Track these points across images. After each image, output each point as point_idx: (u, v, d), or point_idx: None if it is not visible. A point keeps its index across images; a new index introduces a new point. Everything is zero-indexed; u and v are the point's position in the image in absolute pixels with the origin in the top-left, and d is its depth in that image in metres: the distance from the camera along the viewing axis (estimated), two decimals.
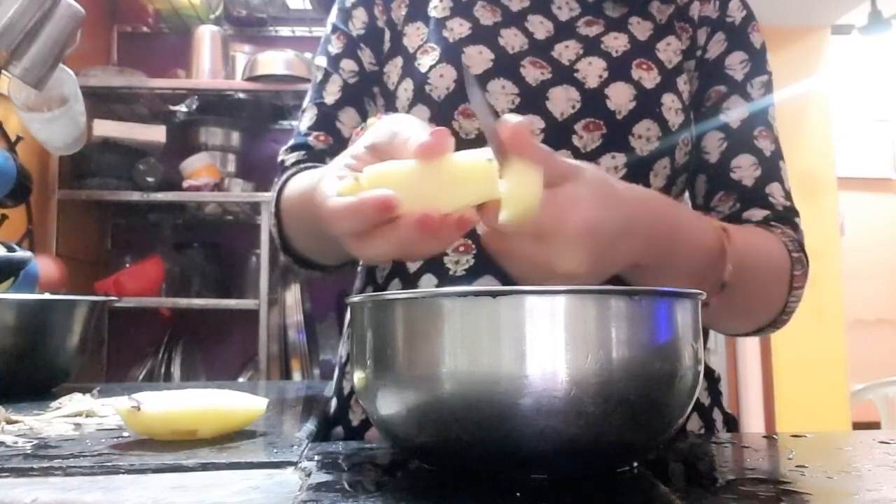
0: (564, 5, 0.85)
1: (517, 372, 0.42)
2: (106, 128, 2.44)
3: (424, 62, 0.81)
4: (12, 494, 0.42)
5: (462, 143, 0.53)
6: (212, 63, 2.63)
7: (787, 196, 0.82)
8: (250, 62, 2.58)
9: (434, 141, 0.49)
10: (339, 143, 0.86)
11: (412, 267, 0.79)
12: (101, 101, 2.53)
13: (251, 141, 2.79)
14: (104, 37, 2.81)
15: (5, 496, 0.41)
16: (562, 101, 0.78)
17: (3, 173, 1.80)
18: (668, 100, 0.80)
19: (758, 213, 0.80)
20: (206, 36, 2.65)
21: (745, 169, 0.82)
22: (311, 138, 0.87)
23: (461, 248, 0.77)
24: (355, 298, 0.50)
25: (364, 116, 0.87)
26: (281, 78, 2.51)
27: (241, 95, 2.63)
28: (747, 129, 0.83)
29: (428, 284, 0.77)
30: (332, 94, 0.87)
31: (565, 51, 0.81)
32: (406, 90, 0.82)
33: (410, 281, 0.79)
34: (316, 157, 0.85)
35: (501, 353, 0.43)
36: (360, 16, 0.89)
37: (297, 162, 0.85)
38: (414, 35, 0.85)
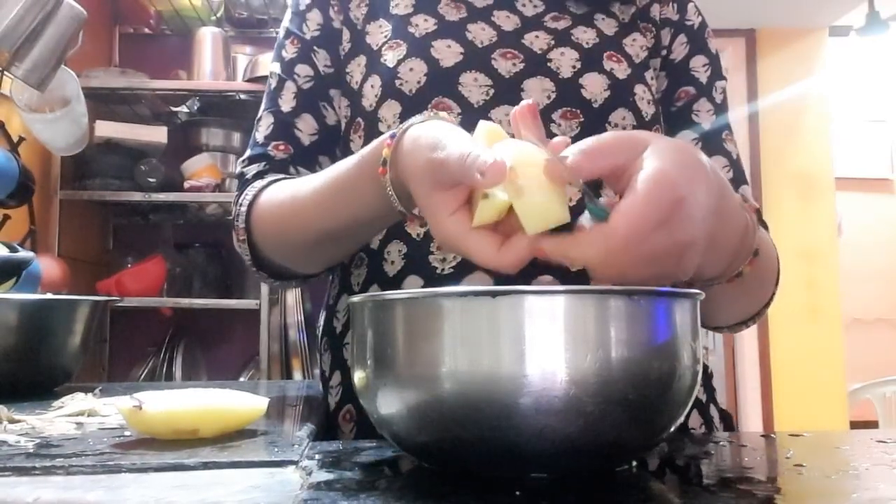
0: (528, 2, 0.85)
1: (517, 371, 0.42)
2: (108, 129, 2.44)
3: (391, 57, 0.81)
4: (14, 493, 0.42)
5: None
6: (213, 64, 2.64)
7: (752, 198, 0.84)
8: (251, 63, 2.59)
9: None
10: (299, 152, 0.84)
11: (391, 270, 0.78)
12: (102, 102, 2.53)
13: None
14: (106, 38, 2.81)
15: (7, 495, 0.42)
16: (537, 91, 0.78)
17: (5, 174, 1.80)
18: (640, 90, 0.81)
19: None
20: (208, 37, 2.66)
21: (719, 170, 0.82)
22: (270, 148, 0.84)
23: None
24: (355, 298, 0.50)
25: (320, 122, 0.85)
26: None
27: (243, 96, 2.63)
28: (716, 132, 0.85)
29: (413, 286, 0.76)
30: (287, 102, 0.85)
31: (536, 40, 0.82)
32: (373, 87, 0.81)
33: (391, 284, 0.77)
34: (276, 167, 0.83)
35: (501, 352, 0.43)
36: (314, 18, 0.87)
37: (259, 173, 0.82)
38: (377, 32, 0.84)
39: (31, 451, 0.52)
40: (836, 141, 3.82)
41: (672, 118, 0.85)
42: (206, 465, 0.47)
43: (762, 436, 0.65)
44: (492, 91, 0.78)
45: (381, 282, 0.78)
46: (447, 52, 0.80)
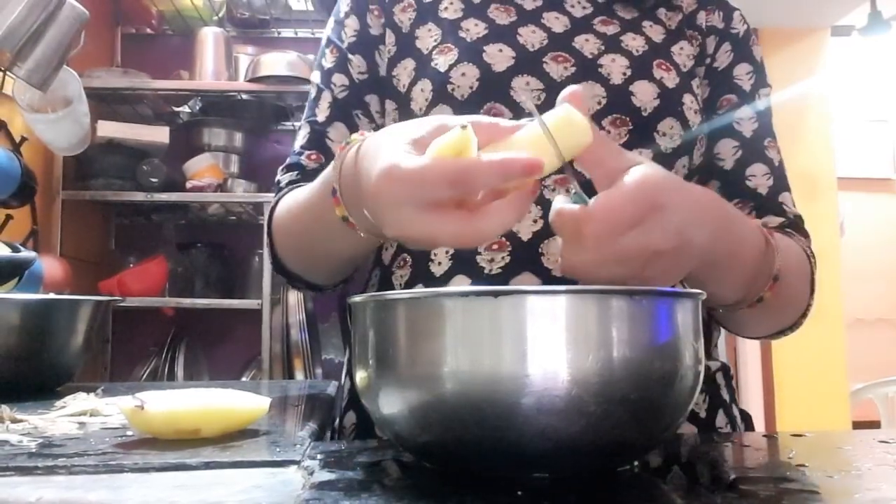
0: (577, 4, 0.86)
1: (518, 371, 0.42)
2: (110, 129, 2.44)
3: (442, 62, 0.81)
4: (17, 493, 0.42)
5: None
6: (215, 64, 2.64)
7: (794, 205, 0.85)
8: (253, 63, 2.58)
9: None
10: (330, 160, 0.84)
11: (438, 270, 0.77)
12: (104, 103, 2.54)
13: (254, 142, 2.79)
14: (108, 38, 2.81)
15: (10, 495, 0.42)
16: (587, 97, 0.78)
17: (7, 174, 1.81)
18: (688, 100, 0.82)
19: (774, 221, 0.81)
20: (210, 37, 2.66)
21: (759, 178, 0.84)
22: (303, 158, 0.86)
23: (495, 246, 0.75)
24: (357, 298, 0.50)
25: (353, 130, 0.86)
26: (283, 79, 2.51)
27: (244, 96, 2.63)
28: (758, 139, 0.86)
29: (460, 286, 0.75)
30: (322, 111, 0.87)
31: (586, 44, 0.82)
32: (423, 90, 0.81)
33: (438, 283, 0.77)
34: (308, 176, 0.84)
35: (503, 352, 0.43)
36: (352, 24, 0.88)
37: (292, 182, 0.85)
38: (426, 37, 0.84)
39: (34, 450, 0.52)
40: (838, 141, 3.81)
41: (715, 125, 0.86)
42: (207, 465, 0.47)
43: (764, 436, 0.65)
44: (543, 95, 0.78)
45: (426, 281, 0.78)
46: (499, 57, 0.80)
